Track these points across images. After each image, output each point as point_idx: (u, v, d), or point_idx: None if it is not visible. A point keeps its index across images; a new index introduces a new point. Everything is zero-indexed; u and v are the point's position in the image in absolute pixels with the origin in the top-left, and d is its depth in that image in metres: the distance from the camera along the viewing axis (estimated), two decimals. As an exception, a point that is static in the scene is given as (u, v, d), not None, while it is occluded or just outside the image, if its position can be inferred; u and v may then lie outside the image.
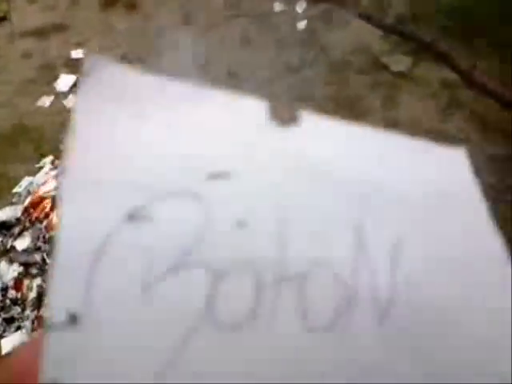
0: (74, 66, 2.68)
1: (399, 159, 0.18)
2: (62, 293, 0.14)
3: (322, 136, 0.18)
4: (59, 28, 2.91)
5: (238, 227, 0.15)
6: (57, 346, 0.14)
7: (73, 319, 0.14)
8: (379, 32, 2.42)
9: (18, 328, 1.68)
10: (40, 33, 2.87)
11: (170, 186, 0.15)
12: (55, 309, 0.14)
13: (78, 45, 2.79)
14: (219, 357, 0.14)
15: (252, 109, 0.17)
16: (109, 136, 0.16)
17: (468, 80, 1.71)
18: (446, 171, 0.18)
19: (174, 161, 0.16)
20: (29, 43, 2.82)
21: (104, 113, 0.16)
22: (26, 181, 2.07)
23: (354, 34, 2.65)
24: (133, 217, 0.15)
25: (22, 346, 0.16)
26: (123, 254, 0.15)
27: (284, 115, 0.17)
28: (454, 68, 1.75)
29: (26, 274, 1.76)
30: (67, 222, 0.15)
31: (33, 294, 1.71)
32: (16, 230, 1.87)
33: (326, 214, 0.16)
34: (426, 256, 0.16)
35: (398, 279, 0.16)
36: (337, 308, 0.15)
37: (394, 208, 0.17)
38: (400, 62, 2.46)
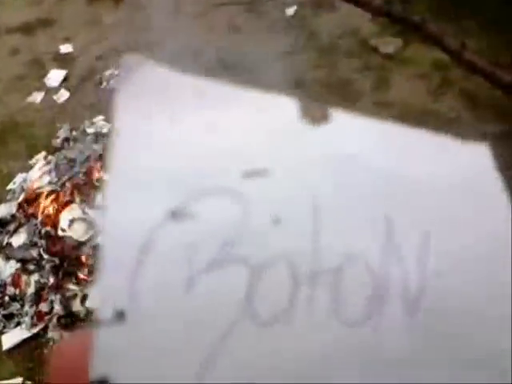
0: (63, 61, 2.66)
1: (425, 154, 0.19)
2: (109, 290, 0.15)
3: (352, 133, 0.18)
4: (46, 23, 2.88)
5: (274, 223, 0.16)
6: (106, 342, 0.14)
7: (120, 316, 0.14)
8: (368, 15, 2.41)
9: (18, 324, 1.68)
10: (27, 28, 2.85)
11: (208, 184, 0.16)
12: (103, 306, 0.14)
13: (66, 39, 2.77)
14: (258, 348, 0.15)
15: (284, 108, 0.18)
16: (149, 135, 0.17)
17: (458, 60, 1.70)
18: (469, 166, 0.19)
19: (212, 159, 0.17)
20: (16, 39, 2.79)
21: (144, 112, 0.17)
22: (19, 177, 2.07)
23: (342, 17, 2.64)
24: (175, 214, 0.16)
25: (68, 341, 0.17)
26: (167, 250, 0.15)
27: (315, 114, 0.18)
28: (444, 48, 1.74)
29: (23, 270, 1.76)
30: (112, 220, 0.15)
31: (31, 290, 1.71)
32: (11, 226, 1.86)
33: (356, 209, 0.17)
34: (453, 247, 0.17)
35: (426, 270, 0.16)
36: (369, 299, 0.16)
37: (420, 201, 0.18)
38: (389, 44, 2.45)
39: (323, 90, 2.32)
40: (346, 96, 2.29)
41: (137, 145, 0.17)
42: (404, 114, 2.15)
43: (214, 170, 0.17)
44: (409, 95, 2.25)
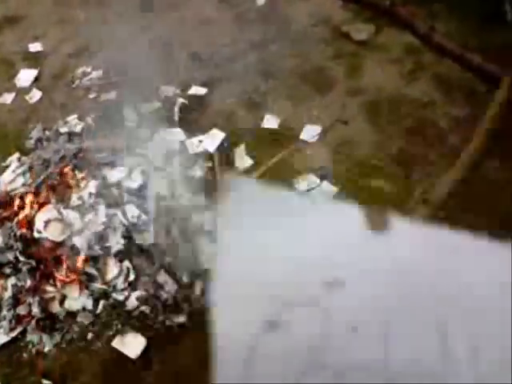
0: (33, 60, 2.61)
1: (471, 258, 0.21)
2: None
3: (412, 241, 0.21)
4: (13, 21, 2.82)
5: (351, 331, 0.19)
6: None
7: None
8: (339, 2, 2.41)
9: (-4, 329, 1.66)
10: (-7, 27, 2.79)
11: (295, 294, 0.19)
12: None
13: (36, 38, 2.72)
14: None
15: (353, 217, 0.21)
16: (246, 248, 0.20)
17: (428, 43, 1.71)
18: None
19: (297, 271, 0.20)
20: (-18, 39, 2.73)
21: (241, 225, 0.20)
22: (-8, 181, 2.03)
23: (314, 5, 2.63)
24: (271, 324, 0.18)
25: None
26: (266, 356, 0.18)
27: (377, 222, 0.21)
28: (414, 32, 1.75)
29: (-1, 274, 1.74)
30: (221, 329, 0.18)
31: (8, 294, 1.68)
32: (-14, 231, 1.83)
33: (417, 316, 0.19)
34: (500, 353, 0.19)
35: (479, 372, 0.19)
36: None
37: (469, 304, 0.20)
38: (362, 31, 2.45)
39: (297, 78, 2.31)
40: (319, 84, 2.29)
41: (236, 256, 0.20)
42: (378, 100, 2.15)
43: (299, 281, 0.20)
44: (382, 80, 2.26)
